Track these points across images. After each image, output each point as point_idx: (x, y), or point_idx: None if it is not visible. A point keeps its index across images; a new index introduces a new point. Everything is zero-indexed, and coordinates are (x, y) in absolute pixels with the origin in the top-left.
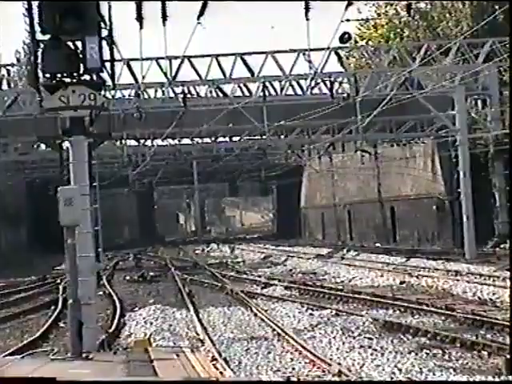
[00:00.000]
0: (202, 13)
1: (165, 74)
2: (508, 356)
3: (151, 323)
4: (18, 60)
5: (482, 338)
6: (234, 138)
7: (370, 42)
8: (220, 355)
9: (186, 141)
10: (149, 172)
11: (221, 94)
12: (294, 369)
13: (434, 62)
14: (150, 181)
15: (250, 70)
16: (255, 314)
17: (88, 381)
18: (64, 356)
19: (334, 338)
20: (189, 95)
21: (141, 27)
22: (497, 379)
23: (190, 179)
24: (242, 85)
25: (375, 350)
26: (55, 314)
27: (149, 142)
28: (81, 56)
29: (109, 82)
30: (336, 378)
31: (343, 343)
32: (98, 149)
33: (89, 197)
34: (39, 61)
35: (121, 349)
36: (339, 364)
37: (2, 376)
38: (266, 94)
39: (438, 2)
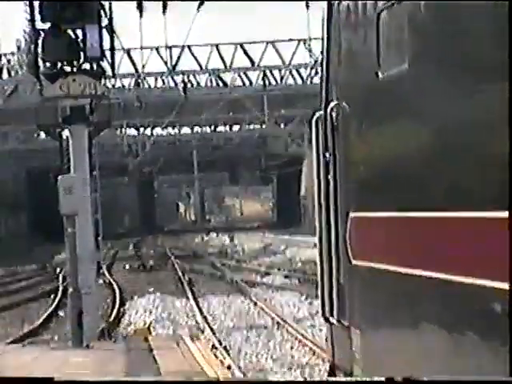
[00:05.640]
0: (202, 2)
1: (165, 63)
2: None
3: (151, 312)
4: (19, 48)
5: None
6: (234, 127)
7: None
8: (220, 344)
9: (185, 130)
10: (149, 161)
11: (221, 84)
12: (293, 357)
13: None
14: (149, 170)
15: (250, 59)
16: (255, 303)
17: (88, 381)
18: (64, 345)
19: None
20: (189, 84)
21: (141, 16)
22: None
23: (190, 168)
24: (242, 74)
25: None
26: (55, 302)
27: (149, 131)
28: (81, 45)
29: (109, 71)
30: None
31: None
32: (98, 138)
33: (89, 186)
34: (39, 49)
35: (121, 337)
36: None
37: (1, 376)
38: (266, 83)
39: None
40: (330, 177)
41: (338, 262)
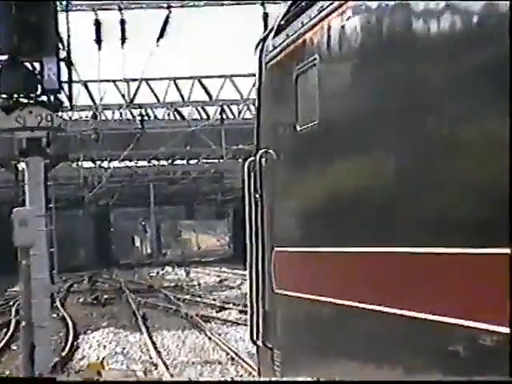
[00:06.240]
0: (161, 34)
1: (122, 95)
2: None
3: (105, 346)
4: None
5: None
6: (192, 161)
7: None
8: (173, 378)
9: (143, 163)
10: (105, 194)
11: (178, 117)
12: None
13: None
14: (106, 203)
15: (208, 93)
16: (209, 338)
17: (89, 381)
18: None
19: None
20: (146, 117)
21: (99, 48)
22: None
23: (147, 202)
24: (199, 108)
25: None
26: (7, 336)
27: (105, 164)
28: (38, 77)
29: (66, 104)
30: None
31: None
32: (55, 170)
33: (44, 218)
34: None
35: (73, 372)
36: None
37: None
38: (224, 117)
39: None
40: (258, 215)
41: (263, 291)
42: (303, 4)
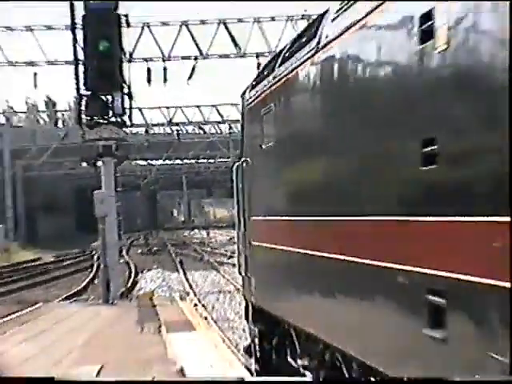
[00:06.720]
0: (190, 76)
1: (164, 117)
2: None
3: (154, 281)
4: (70, 107)
5: None
6: (210, 160)
7: None
8: (200, 302)
9: (178, 161)
10: (154, 182)
11: (202, 132)
12: None
13: None
14: (154, 187)
15: (221, 116)
16: (223, 276)
17: (88, 381)
18: (97, 302)
19: None
20: (181, 132)
21: (149, 85)
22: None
23: (181, 187)
24: (215, 125)
25: None
26: (91, 274)
27: (153, 162)
28: (110, 105)
29: (128, 123)
30: None
31: None
32: (120, 166)
33: (114, 197)
34: (83, 108)
35: (134, 298)
36: None
37: (1, 376)
38: (231, 132)
39: None
40: (241, 197)
41: (245, 243)
42: (265, 73)
